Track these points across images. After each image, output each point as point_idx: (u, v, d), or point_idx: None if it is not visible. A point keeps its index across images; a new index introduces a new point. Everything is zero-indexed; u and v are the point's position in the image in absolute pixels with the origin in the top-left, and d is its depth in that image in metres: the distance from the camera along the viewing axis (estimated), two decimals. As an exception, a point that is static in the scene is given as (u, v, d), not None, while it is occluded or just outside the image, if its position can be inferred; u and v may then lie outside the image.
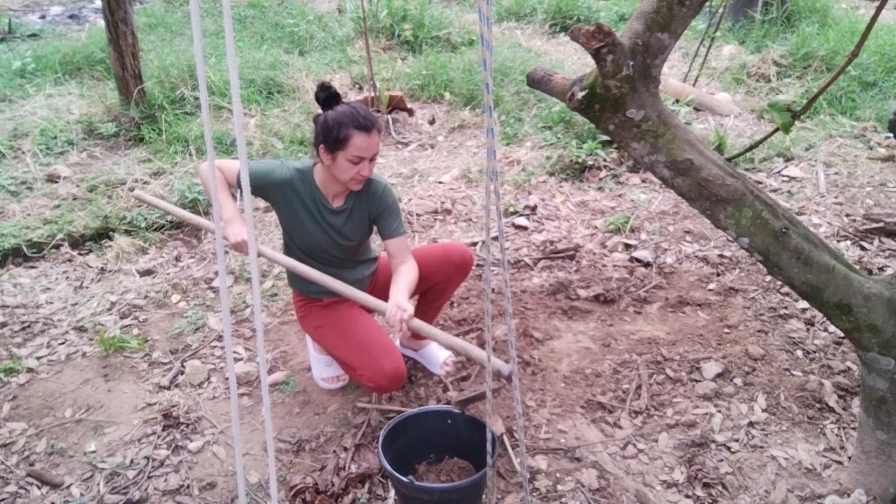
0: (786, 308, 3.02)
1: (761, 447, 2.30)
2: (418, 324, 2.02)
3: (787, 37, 6.52)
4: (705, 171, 1.84)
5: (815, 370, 2.64)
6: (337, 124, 2.08)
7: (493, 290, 3.28)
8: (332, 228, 2.29)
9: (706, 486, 2.16)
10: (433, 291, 2.56)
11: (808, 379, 2.57)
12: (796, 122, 2.46)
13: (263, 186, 2.23)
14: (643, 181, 4.28)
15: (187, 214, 2.47)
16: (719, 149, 4.32)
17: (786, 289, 3.14)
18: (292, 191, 2.23)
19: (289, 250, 2.37)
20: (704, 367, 2.66)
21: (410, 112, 5.19)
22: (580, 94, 1.85)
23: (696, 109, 5.35)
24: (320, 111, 2.18)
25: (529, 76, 2.16)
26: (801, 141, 4.70)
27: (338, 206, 2.29)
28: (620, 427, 2.41)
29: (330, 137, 2.10)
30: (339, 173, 2.15)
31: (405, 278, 2.21)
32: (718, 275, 3.29)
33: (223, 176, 2.30)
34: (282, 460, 2.29)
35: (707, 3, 2.36)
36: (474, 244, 3.62)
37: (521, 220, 3.82)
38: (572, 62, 6.25)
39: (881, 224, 3.60)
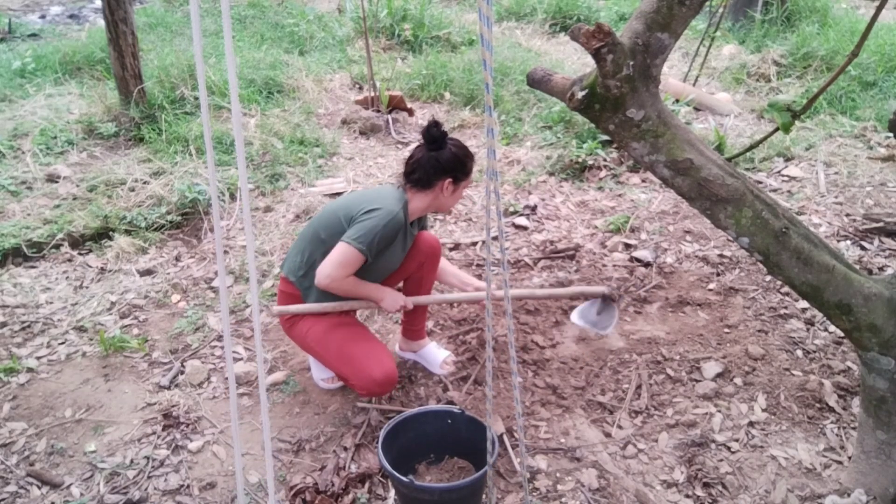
0: (786, 308, 3.02)
1: (761, 447, 2.30)
2: (500, 293, 2.40)
3: (787, 37, 6.52)
4: (705, 170, 1.84)
5: (815, 370, 2.64)
6: (464, 157, 2.32)
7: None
8: (404, 249, 2.42)
9: (706, 486, 2.15)
10: (410, 283, 2.59)
11: (808, 379, 2.57)
12: (796, 122, 2.46)
13: (386, 245, 2.26)
14: (643, 181, 4.28)
15: (348, 304, 2.36)
16: (719, 149, 4.32)
17: (786, 289, 3.14)
18: (399, 231, 2.30)
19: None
20: (704, 366, 2.66)
21: (410, 112, 5.19)
22: (580, 94, 1.85)
23: (696, 109, 5.35)
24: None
25: (529, 76, 2.16)
26: (801, 141, 4.70)
27: (412, 229, 2.45)
28: (620, 427, 2.41)
29: (462, 170, 2.32)
30: (452, 200, 2.38)
31: (452, 267, 2.69)
32: (718, 275, 3.29)
33: (350, 276, 2.23)
34: (282, 460, 2.29)
35: (707, 3, 2.36)
36: (474, 244, 3.62)
37: (521, 220, 3.81)
38: (572, 62, 6.25)
39: (881, 224, 3.60)
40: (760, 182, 4.22)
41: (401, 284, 2.64)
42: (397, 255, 2.39)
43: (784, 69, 6.00)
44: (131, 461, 2.27)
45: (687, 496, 2.13)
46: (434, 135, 2.28)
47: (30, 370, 2.69)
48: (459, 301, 2.61)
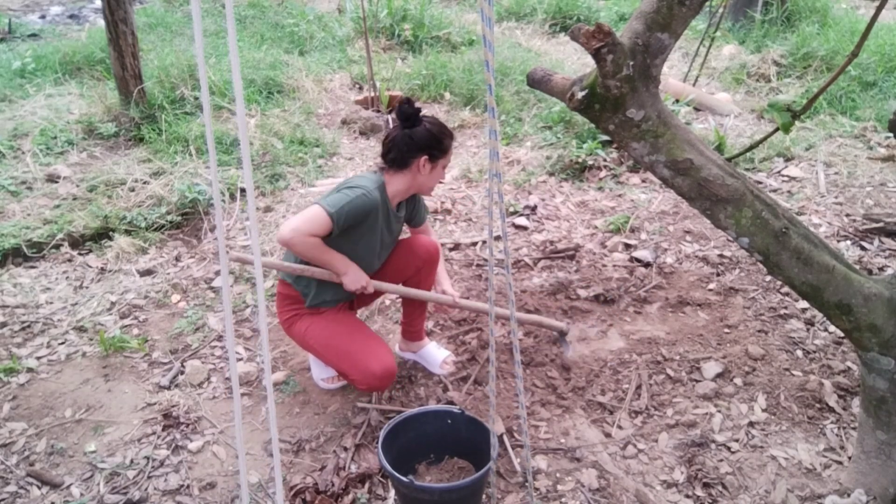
0: (786, 308, 3.02)
1: (761, 447, 2.30)
2: (466, 302, 2.53)
3: (787, 37, 6.52)
4: (705, 171, 1.84)
5: (815, 370, 2.64)
6: (440, 134, 2.28)
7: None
8: (390, 234, 2.40)
9: (706, 486, 2.15)
10: (408, 286, 2.57)
11: (808, 379, 2.57)
12: (796, 122, 2.46)
13: (361, 221, 2.23)
14: (643, 181, 4.28)
15: (310, 270, 2.30)
16: (719, 149, 4.32)
17: (786, 289, 3.14)
18: (378, 210, 2.28)
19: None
20: (704, 367, 2.66)
21: (410, 112, 5.18)
22: (580, 94, 1.85)
23: (696, 109, 5.35)
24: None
25: (529, 76, 2.16)
26: (801, 141, 4.70)
27: (398, 213, 2.42)
28: (620, 427, 2.41)
29: (438, 147, 2.28)
30: (431, 180, 2.35)
31: (440, 262, 2.59)
32: (718, 275, 3.29)
33: (319, 237, 2.17)
34: (282, 460, 2.29)
35: (707, 3, 2.36)
36: (474, 244, 3.62)
37: (521, 220, 3.82)
38: (572, 62, 6.25)
39: (881, 224, 3.60)
40: (760, 182, 4.22)
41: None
42: (381, 241, 2.35)
43: (784, 69, 6.00)
44: (131, 461, 2.27)
45: (687, 496, 2.13)
46: (406, 112, 2.26)
47: (30, 370, 2.69)
48: (426, 299, 2.54)
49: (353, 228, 2.22)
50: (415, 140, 2.25)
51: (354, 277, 2.27)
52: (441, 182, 2.43)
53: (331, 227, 2.13)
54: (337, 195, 2.19)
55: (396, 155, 2.28)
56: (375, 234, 2.32)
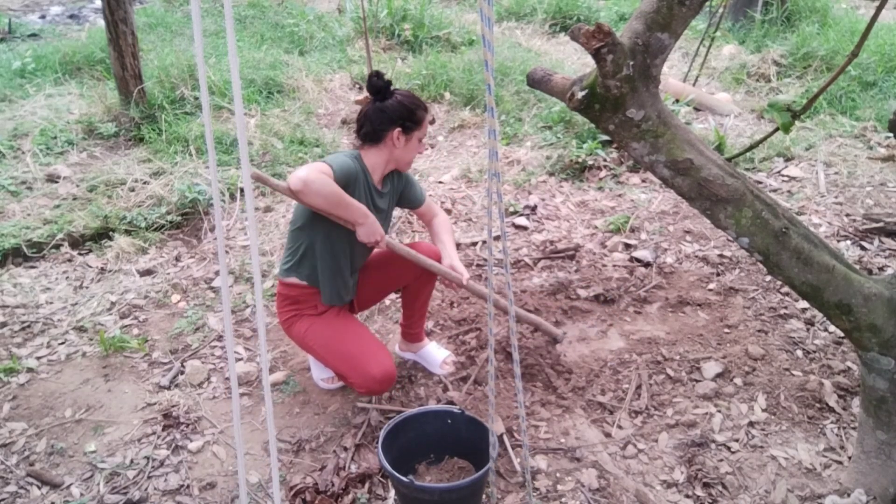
0: (786, 308, 3.02)
1: (761, 447, 2.30)
2: (473, 285, 2.42)
3: (787, 37, 6.52)
4: (705, 171, 1.84)
5: (815, 370, 2.64)
6: (413, 106, 2.26)
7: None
8: (377, 211, 2.35)
9: (706, 486, 2.15)
10: (408, 292, 2.58)
11: (808, 379, 2.57)
12: (796, 122, 2.46)
13: (350, 185, 2.19)
14: (643, 181, 4.28)
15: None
16: (719, 149, 4.32)
17: (786, 289, 3.14)
18: (359, 179, 2.25)
19: (312, 249, 2.30)
20: (704, 367, 2.66)
21: (410, 112, 5.18)
22: (580, 94, 1.85)
23: (696, 109, 5.35)
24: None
25: (529, 76, 2.16)
26: (801, 141, 4.70)
27: (382, 189, 2.38)
28: (620, 427, 2.41)
29: (411, 118, 2.25)
30: (407, 153, 2.32)
31: (449, 239, 2.53)
32: (718, 275, 3.29)
33: (328, 178, 2.11)
34: (282, 460, 2.29)
35: (707, 3, 2.36)
36: (474, 244, 3.62)
37: (521, 220, 3.82)
38: (572, 62, 6.25)
39: (881, 224, 3.60)
40: (760, 182, 4.22)
41: (398, 294, 2.64)
42: None
43: (784, 69, 6.00)
44: (131, 461, 2.27)
45: (687, 496, 2.13)
46: (376, 85, 2.23)
47: (30, 370, 2.69)
48: (437, 271, 2.44)
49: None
50: (387, 113, 2.23)
51: (370, 229, 2.20)
52: (420, 153, 2.40)
53: (333, 176, 2.10)
54: (325, 158, 2.20)
55: (369, 129, 2.26)
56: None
